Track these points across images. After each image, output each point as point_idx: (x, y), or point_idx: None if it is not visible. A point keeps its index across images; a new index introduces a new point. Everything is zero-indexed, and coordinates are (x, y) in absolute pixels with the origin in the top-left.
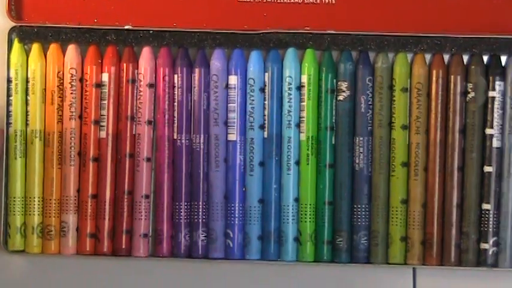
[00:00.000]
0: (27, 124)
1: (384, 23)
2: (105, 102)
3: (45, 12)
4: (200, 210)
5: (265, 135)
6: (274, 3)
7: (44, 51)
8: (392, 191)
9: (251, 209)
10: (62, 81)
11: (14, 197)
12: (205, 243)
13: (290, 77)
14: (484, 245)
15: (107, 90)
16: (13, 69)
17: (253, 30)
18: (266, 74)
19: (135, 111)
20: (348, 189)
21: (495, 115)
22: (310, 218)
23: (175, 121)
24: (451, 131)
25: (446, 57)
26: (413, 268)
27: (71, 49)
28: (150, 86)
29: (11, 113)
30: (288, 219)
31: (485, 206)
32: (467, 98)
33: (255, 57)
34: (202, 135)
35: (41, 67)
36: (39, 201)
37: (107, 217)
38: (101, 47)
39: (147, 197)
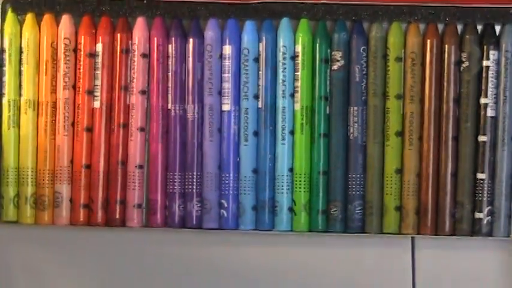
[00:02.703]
0: (20, 94)
1: None
2: (99, 72)
3: None
4: (194, 180)
5: (260, 105)
6: None
7: (38, 21)
8: (387, 161)
9: (245, 179)
10: (55, 51)
11: (7, 168)
12: (199, 214)
13: (284, 46)
14: (478, 215)
15: (100, 61)
16: (7, 39)
17: (247, 0)
18: (260, 44)
19: (128, 81)
20: (342, 159)
21: (489, 84)
22: (304, 188)
23: (169, 91)
24: (445, 101)
25: (440, 26)
26: (412, 238)
27: (65, 19)
28: (144, 56)
29: (4, 83)
30: (282, 189)
31: (479, 176)
32: (462, 68)
33: (249, 27)
34: (196, 105)
35: (35, 37)
36: (32, 171)
37: (100, 187)
38: (95, 18)
39: (140, 167)
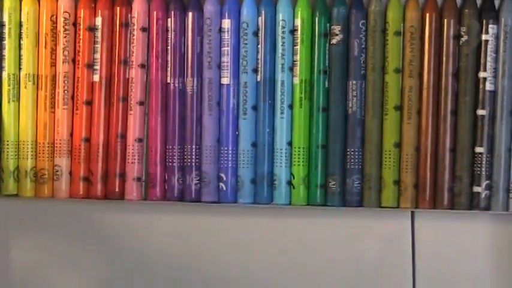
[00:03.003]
0: (20, 68)
1: None
2: (98, 46)
3: None
4: (193, 154)
5: (259, 79)
6: None
7: None
8: (385, 135)
9: (244, 153)
10: (55, 25)
11: (7, 141)
12: (198, 187)
13: (283, 20)
14: (476, 189)
15: (100, 34)
16: (6, 13)
17: None
18: (259, 17)
19: (128, 55)
20: (340, 133)
21: (488, 58)
22: (303, 162)
23: (169, 65)
24: (444, 75)
25: (439, 0)
26: (412, 212)
27: None
28: (143, 29)
29: (4, 56)
30: (280, 163)
31: (478, 150)
32: (461, 42)
33: (248, 1)
34: (195, 79)
35: (34, 11)
36: (32, 145)
37: (99, 161)
38: None
39: (140, 140)
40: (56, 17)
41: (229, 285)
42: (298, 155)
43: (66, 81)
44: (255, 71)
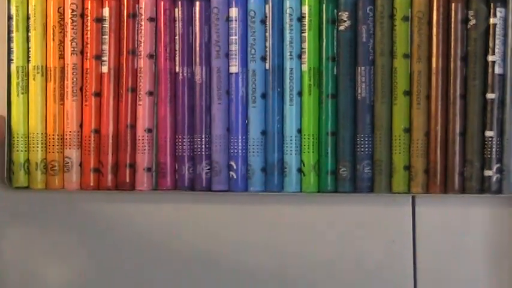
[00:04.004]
0: (28, 61)
1: None
2: (106, 37)
3: None
4: (203, 143)
5: (267, 67)
6: None
7: None
8: (395, 120)
9: (254, 141)
10: (62, 16)
11: (17, 134)
12: (208, 176)
13: (291, 8)
14: (487, 172)
15: (107, 25)
16: (14, 6)
17: None
18: (267, 5)
19: (136, 45)
20: (350, 119)
21: (497, 42)
22: (313, 149)
23: (177, 54)
24: (452, 59)
25: None
26: (412, 196)
27: None
28: (151, 20)
29: (12, 49)
30: (291, 151)
31: (488, 133)
32: (468, 25)
33: None
34: (203, 68)
35: (42, 3)
36: (42, 137)
37: (110, 151)
38: None
39: (149, 130)
40: (64, 9)
41: (240, 273)
42: (308, 142)
43: (74, 73)
44: (263, 59)
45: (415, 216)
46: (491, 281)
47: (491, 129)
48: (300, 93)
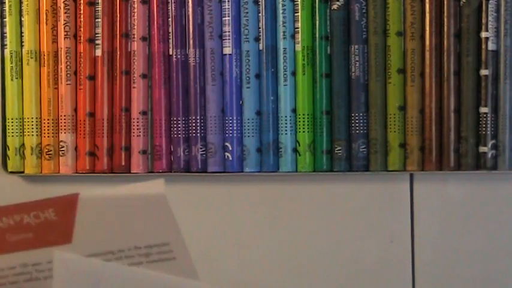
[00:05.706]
0: (22, 45)
1: None
2: (99, 20)
3: None
4: (198, 124)
5: (261, 47)
6: None
7: None
8: (389, 98)
9: (249, 122)
10: (55, 1)
11: (12, 119)
12: (203, 158)
13: None
14: (482, 149)
15: (100, 8)
16: None
17: None
18: None
19: (129, 28)
20: (344, 98)
21: (490, 18)
22: (308, 128)
23: (170, 36)
24: (446, 36)
25: None
26: (411, 174)
27: None
28: (144, 2)
29: (5, 34)
30: (286, 130)
31: (482, 110)
32: (461, 2)
33: None
34: (197, 50)
35: None
36: (37, 121)
37: (105, 135)
38: None
39: (144, 113)
40: None
41: (236, 253)
42: (303, 121)
43: (68, 57)
44: (257, 39)
45: (413, 193)
46: (489, 256)
47: (485, 106)
48: (293, 73)
